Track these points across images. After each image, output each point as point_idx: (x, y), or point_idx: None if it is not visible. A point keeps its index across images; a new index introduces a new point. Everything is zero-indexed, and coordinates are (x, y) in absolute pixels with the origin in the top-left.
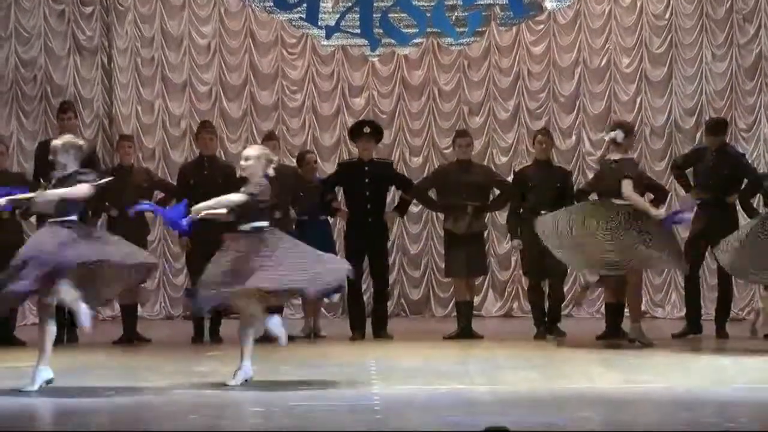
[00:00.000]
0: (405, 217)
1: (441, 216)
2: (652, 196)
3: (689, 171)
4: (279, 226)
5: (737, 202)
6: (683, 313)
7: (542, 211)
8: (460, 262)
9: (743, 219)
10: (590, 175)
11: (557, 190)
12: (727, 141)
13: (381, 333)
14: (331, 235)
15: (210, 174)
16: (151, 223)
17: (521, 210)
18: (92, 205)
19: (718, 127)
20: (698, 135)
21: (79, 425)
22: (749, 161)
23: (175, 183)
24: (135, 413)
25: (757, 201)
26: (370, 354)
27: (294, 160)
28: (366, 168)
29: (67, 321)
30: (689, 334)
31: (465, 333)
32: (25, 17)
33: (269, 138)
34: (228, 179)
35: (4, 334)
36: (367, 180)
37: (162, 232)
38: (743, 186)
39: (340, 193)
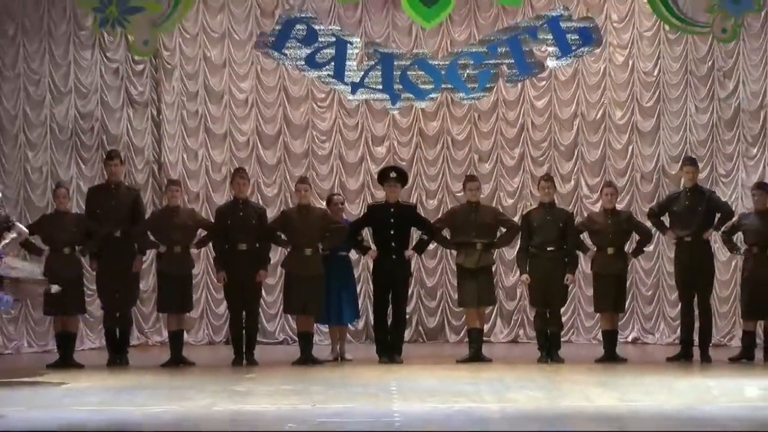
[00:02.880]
0: (426, 247)
1: (454, 252)
2: (638, 237)
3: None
4: (308, 260)
5: (717, 238)
6: (671, 339)
7: (548, 248)
8: (471, 293)
9: (721, 254)
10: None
11: (560, 229)
12: (700, 184)
13: (393, 357)
14: (352, 270)
15: (244, 215)
16: (196, 258)
17: (529, 247)
18: (140, 242)
19: (691, 160)
20: (681, 180)
21: None
22: (720, 197)
23: (214, 224)
24: (179, 428)
25: (736, 237)
26: (391, 375)
27: (323, 203)
28: (392, 210)
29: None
30: (682, 358)
31: (476, 357)
32: (83, 74)
33: (302, 182)
34: (260, 219)
35: (64, 358)
36: (392, 220)
37: (205, 266)
38: (716, 220)
39: (364, 231)
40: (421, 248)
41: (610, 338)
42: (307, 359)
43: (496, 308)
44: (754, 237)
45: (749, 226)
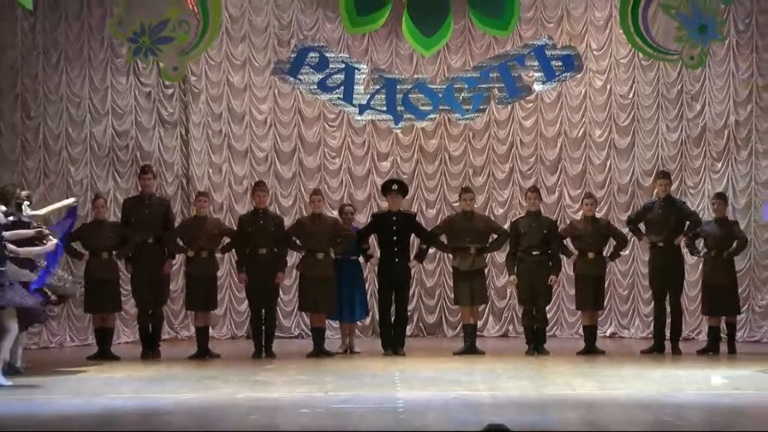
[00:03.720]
0: (428, 250)
1: (450, 256)
2: (615, 242)
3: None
4: (320, 263)
5: (682, 243)
6: (645, 333)
7: (534, 252)
8: (466, 293)
9: (690, 258)
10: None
11: (544, 235)
12: (672, 195)
13: (396, 350)
14: (362, 272)
15: (264, 223)
16: (220, 261)
17: (517, 252)
18: (171, 247)
19: (665, 174)
20: (654, 192)
21: (160, 423)
22: (689, 207)
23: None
24: (206, 414)
25: (698, 242)
26: (395, 366)
27: (334, 212)
28: (394, 218)
29: (152, 341)
30: (655, 351)
31: (470, 350)
32: (120, 97)
33: (315, 194)
34: (278, 227)
35: (102, 351)
36: (394, 228)
37: (228, 268)
38: (686, 227)
39: (371, 238)
40: (421, 257)
41: (590, 333)
42: (319, 352)
43: (488, 306)
44: (713, 242)
45: (709, 233)
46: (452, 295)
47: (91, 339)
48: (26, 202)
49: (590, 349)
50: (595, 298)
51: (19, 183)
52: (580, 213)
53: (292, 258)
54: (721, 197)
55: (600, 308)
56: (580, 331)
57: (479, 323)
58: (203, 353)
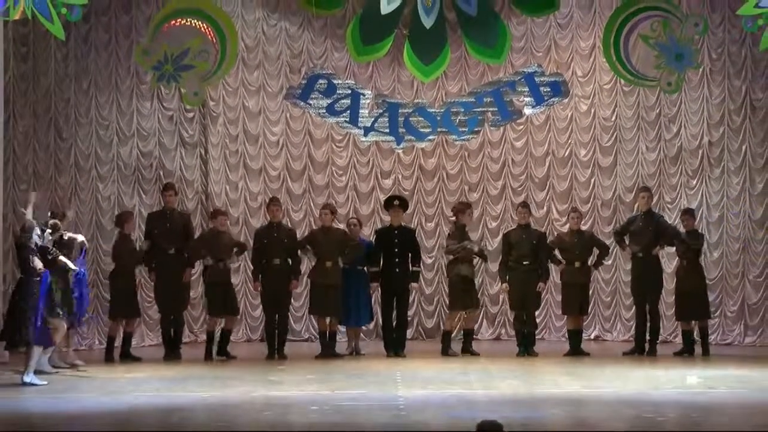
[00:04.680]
0: (422, 266)
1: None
2: (598, 252)
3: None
4: (330, 273)
5: (663, 253)
6: (626, 336)
7: (524, 262)
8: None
9: (668, 267)
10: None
11: (533, 246)
12: (654, 209)
13: (398, 352)
14: (368, 281)
15: (278, 236)
16: (236, 270)
17: (508, 261)
18: (194, 255)
19: (646, 188)
20: (636, 206)
21: (180, 419)
22: (667, 221)
23: (252, 242)
24: (223, 410)
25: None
26: (397, 367)
27: (341, 225)
28: (396, 232)
29: (173, 344)
30: (636, 353)
31: (466, 351)
32: (144, 120)
33: (325, 208)
34: (291, 239)
35: (124, 352)
36: (396, 240)
37: (244, 276)
38: (662, 238)
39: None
40: (416, 278)
41: (575, 336)
42: (327, 353)
43: (482, 311)
44: (687, 253)
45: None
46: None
47: (118, 342)
48: (48, 230)
49: (576, 351)
50: (580, 304)
51: (51, 199)
52: (567, 226)
53: (303, 266)
54: (688, 212)
55: (585, 313)
56: (566, 334)
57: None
58: (220, 353)
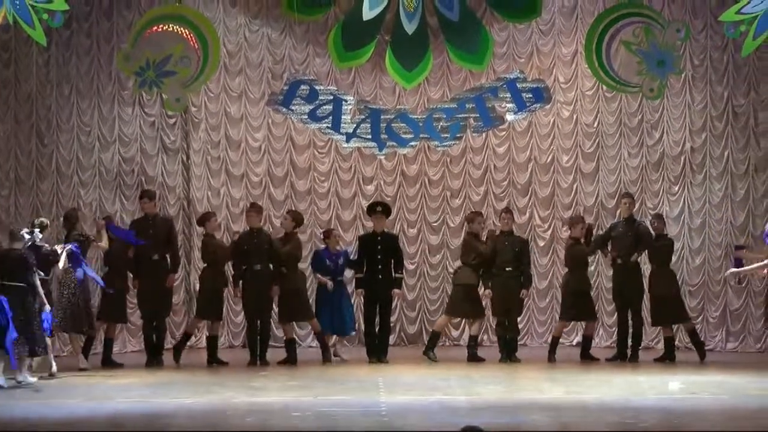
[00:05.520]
0: (405, 273)
1: (430, 272)
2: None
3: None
4: (287, 278)
5: (645, 259)
6: (609, 342)
7: (507, 268)
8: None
9: (646, 273)
10: (540, 243)
11: (516, 253)
12: (636, 216)
13: (380, 358)
14: (348, 291)
15: (258, 242)
16: (227, 274)
17: (491, 268)
18: (174, 262)
19: (628, 194)
20: (617, 212)
21: (164, 425)
22: (648, 227)
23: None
24: (206, 416)
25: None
26: (379, 373)
27: (321, 234)
28: (378, 238)
29: (156, 350)
30: (618, 359)
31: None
32: (126, 126)
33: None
34: (271, 246)
35: (106, 358)
36: (379, 247)
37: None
38: (641, 245)
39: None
40: (399, 284)
41: (556, 343)
42: (295, 360)
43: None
44: (657, 258)
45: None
46: (431, 308)
47: (99, 347)
48: (37, 229)
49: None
50: (589, 310)
51: (34, 205)
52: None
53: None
54: (659, 218)
55: (594, 318)
56: (548, 340)
57: (456, 333)
58: (211, 361)
